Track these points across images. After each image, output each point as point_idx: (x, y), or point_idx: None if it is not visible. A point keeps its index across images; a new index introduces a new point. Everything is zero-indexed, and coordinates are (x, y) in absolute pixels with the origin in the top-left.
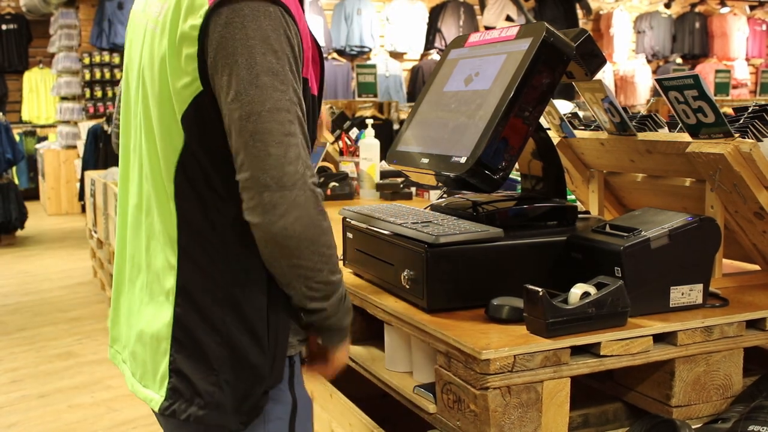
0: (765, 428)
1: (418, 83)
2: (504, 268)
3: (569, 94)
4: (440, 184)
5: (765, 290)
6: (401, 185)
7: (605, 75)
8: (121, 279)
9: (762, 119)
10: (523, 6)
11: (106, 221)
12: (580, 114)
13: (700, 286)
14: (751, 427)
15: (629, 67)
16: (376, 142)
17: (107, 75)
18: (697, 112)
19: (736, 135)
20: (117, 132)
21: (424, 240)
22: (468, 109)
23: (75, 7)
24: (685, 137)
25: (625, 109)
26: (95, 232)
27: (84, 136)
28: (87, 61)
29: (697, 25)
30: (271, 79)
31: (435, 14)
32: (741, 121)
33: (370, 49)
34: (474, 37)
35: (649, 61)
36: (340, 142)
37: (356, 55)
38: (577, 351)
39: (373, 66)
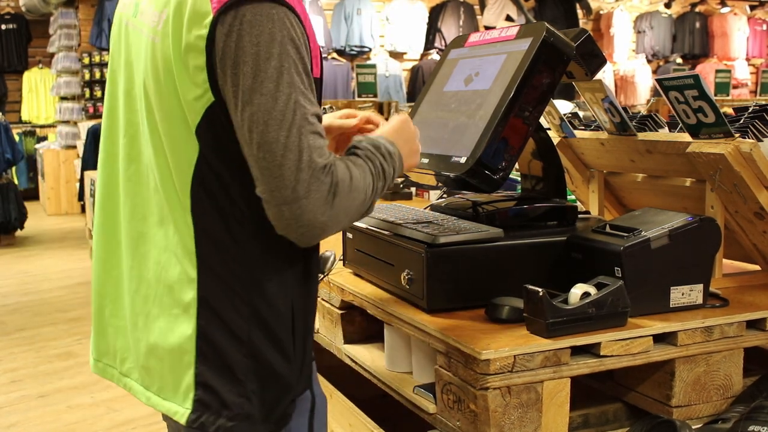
0: (765, 428)
1: (418, 83)
2: (504, 268)
3: (569, 94)
4: (440, 184)
5: (765, 290)
6: (401, 185)
7: (605, 75)
8: (105, 292)
9: (762, 119)
10: (523, 6)
11: None
12: (580, 114)
13: (701, 286)
14: (751, 428)
15: (629, 67)
16: None
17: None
18: (697, 112)
19: (737, 135)
20: None
21: (423, 240)
22: (468, 109)
23: (74, 7)
24: (686, 137)
25: (625, 109)
26: None
27: (84, 136)
28: (86, 61)
29: (698, 24)
30: (276, 85)
31: (435, 14)
32: (741, 121)
33: (370, 49)
34: (474, 37)
35: (649, 61)
36: None
37: (356, 55)
38: (577, 351)
39: (373, 66)
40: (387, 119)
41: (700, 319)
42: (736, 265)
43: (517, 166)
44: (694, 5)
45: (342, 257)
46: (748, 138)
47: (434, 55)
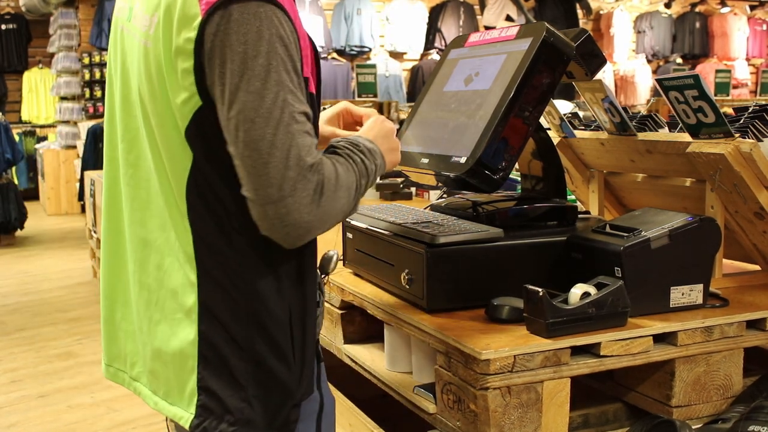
0: (765, 428)
1: (418, 83)
2: (504, 268)
3: (569, 94)
4: (440, 184)
5: (765, 290)
6: (401, 185)
7: (605, 75)
8: (115, 296)
9: (762, 119)
10: (523, 6)
11: None
12: (580, 114)
13: (701, 286)
14: (751, 428)
15: (629, 67)
16: None
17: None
18: (697, 112)
19: (737, 135)
20: None
21: (424, 240)
22: (468, 109)
23: (74, 7)
24: (686, 137)
25: (625, 109)
26: (95, 232)
27: (83, 136)
28: (86, 61)
29: (698, 24)
30: (264, 83)
31: (435, 14)
32: (741, 121)
33: (370, 49)
34: (474, 37)
35: (649, 61)
36: None
37: (356, 55)
38: (577, 351)
39: (373, 66)
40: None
41: (700, 319)
42: (736, 265)
43: (517, 166)
44: (694, 5)
45: (342, 257)
46: (748, 138)
47: (434, 55)
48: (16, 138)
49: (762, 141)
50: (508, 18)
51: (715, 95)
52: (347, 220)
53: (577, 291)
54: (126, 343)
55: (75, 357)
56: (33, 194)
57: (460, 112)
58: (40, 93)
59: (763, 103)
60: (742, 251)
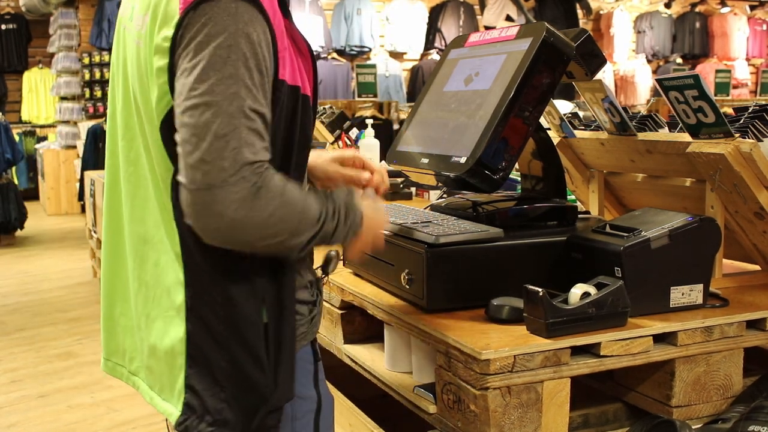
0: (765, 428)
1: (418, 83)
2: (504, 268)
3: (569, 94)
4: (440, 184)
5: (765, 290)
6: (401, 185)
7: (605, 75)
8: (115, 291)
9: (762, 119)
10: (523, 6)
11: None
12: (580, 114)
13: (701, 287)
14: (751, 428)
15: (629, 67)
16: (376, 142)
17: (107, 75)
18: (697, 112)
19: (737, 135)
20: None
21: (424, 240)
22: (468, 109)
23: (74, 7)
24: (686, 137)
25: (625, 109)
26: (95, 232)
27: (84, 136)
28: (86, 61)
29: (698, 24)
30: (220, 76)
31: (435, 14)
32: (741, 121)
33: (370, 49)
34: (474, 37)
35: (649, 61)
36: (340, 143)
37: (356, 55)
38: (577, 351)
39: (373, 66)
40: (387, 119)
41: (700, 319)
42: (736, 265)
43: (517, 166)
44: (694, 5)
45: (342, 257)
46: (748, 138)
47: (434, 55)
48: (16, 138)
49: (762, 141)
50: (508, 18)
51: (715, 95)
52: None
53: (577, 291)
54: (125, 338)
55: (75, 357)
56: (33, 194)
57: (460, 112)
58: (40, 93)
59: (763, 103)
60: (742, 251)
